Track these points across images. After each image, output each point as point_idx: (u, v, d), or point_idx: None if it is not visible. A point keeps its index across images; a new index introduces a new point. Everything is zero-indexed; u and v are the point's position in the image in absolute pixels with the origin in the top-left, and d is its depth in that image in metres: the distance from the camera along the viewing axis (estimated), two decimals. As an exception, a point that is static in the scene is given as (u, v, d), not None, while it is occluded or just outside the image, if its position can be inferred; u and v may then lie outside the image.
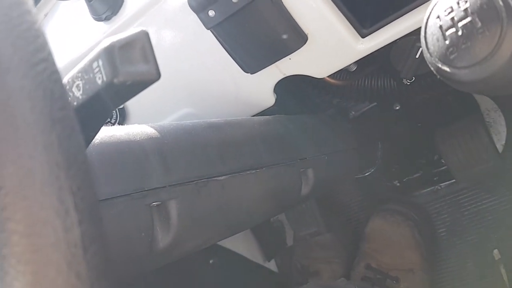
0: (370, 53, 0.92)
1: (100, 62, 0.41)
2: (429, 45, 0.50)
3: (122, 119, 1.17)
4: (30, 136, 0.28)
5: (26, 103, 0.28)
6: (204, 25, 0.94)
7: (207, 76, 1.05)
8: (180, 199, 0.71)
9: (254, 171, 0.86)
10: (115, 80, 0.40)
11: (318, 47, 0.93)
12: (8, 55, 0.29)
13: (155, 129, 0.74)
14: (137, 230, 0.65)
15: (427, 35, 0.50)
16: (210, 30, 0.95)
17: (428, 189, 1.50)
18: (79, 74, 0.43)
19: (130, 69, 0.41)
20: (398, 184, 1.55)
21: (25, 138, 0.28)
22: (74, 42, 1.11)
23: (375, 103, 1.36)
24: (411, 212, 1.47)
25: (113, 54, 0.40)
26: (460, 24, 0.47)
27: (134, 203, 0.64)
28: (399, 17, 0.84)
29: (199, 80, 1.06)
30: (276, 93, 1.05)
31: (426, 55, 0.50)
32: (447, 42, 0.48)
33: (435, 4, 0.50)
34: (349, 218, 1.68)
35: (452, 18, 0.48)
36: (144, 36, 0.42)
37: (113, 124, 1.17)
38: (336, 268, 1.58)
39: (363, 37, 0.89)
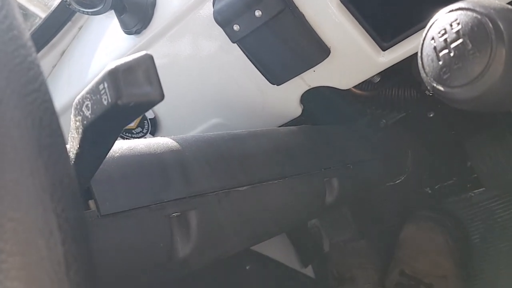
0: (392, 65, 0.93)
1: (106, 84, 0.43)
2: (425, 65, 0.51)
3: (154, 130, 1.20)
4: (18, 162, 0.30)
5: (15, 132, 0.31)
6: (230, 39, 0.96)
7: (234, 88, 1.07)
8: (200, 209, 0.73)
9: (276, 181, 0.88)
10: (119, 102, 0.41)
11: (340, 59, 0.94)
12: (2, 87, 0.32)
13: (176, 141, 0.76)
14: (155, 241, 0.67)
15: (423, 56, 0.51)
16: (236, 43, 0.97)
17: (461, 196, 1.48)
18: (88, 95, 0.45)
19: (133, 91, 0.43)
20: (429, 191, 1.54)
21: (13, 164, 0.30)
22: (105, 55, 1.15)
23: (407, 112, 1.36)
24: (445, 219, 1.47)
25: (117, 77, 0.42)
26: (452, 46, 0.48)
27: (153, 214, 0.66)
28: (418, 31, 0.85)
29: (227, 92, 1.09)
30: (303, 104, 1.07)
31: (423, 75, 0.51)
32: (440, 62, 0.49)
33: (431, 26, 0.51)
34: (383, 225, 1.68)
35: (445, 40, 0.49)
36: (147, 59, 0.44)
37: (145, 134, 1.20)
38: (371, 274, 1.58)
39: (384, 50, 0.90)
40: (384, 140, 1.35)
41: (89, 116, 0.45)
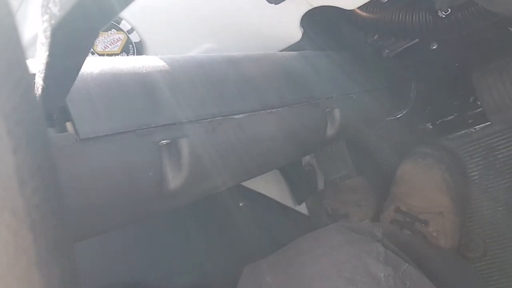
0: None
1: None
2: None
3: (140, 55, 1.12)
4: None
5: None
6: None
7: (229, 7, 0.99)
8: (192, 137, 0.66)
9: (275, 110, 0.81)
10: None
11: (346, -27, 0.86)
12: None
13: (165, 62, 0.69)
14: (143, 169, 0.60)
15: None
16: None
17: (462, 131, 1.43)
18: None
19: None
20: (431, 127, 1.48)
21: None
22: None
23: (411, 42, 1.28)
24: (443, 155, 1.42)
25: None
26: None
27: (139, 140, 0.60)
28: None
29: (221, 12, 1.01)
30: (303, 27, 0.99)
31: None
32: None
33: None
34: (380, 161, 1.63)
35: None
36: None
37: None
38: (366, 211, 1.55)
39: (393, -37, 0.82)
40: (388, 70, 1.28)
41: (57, 14, 0.37)
